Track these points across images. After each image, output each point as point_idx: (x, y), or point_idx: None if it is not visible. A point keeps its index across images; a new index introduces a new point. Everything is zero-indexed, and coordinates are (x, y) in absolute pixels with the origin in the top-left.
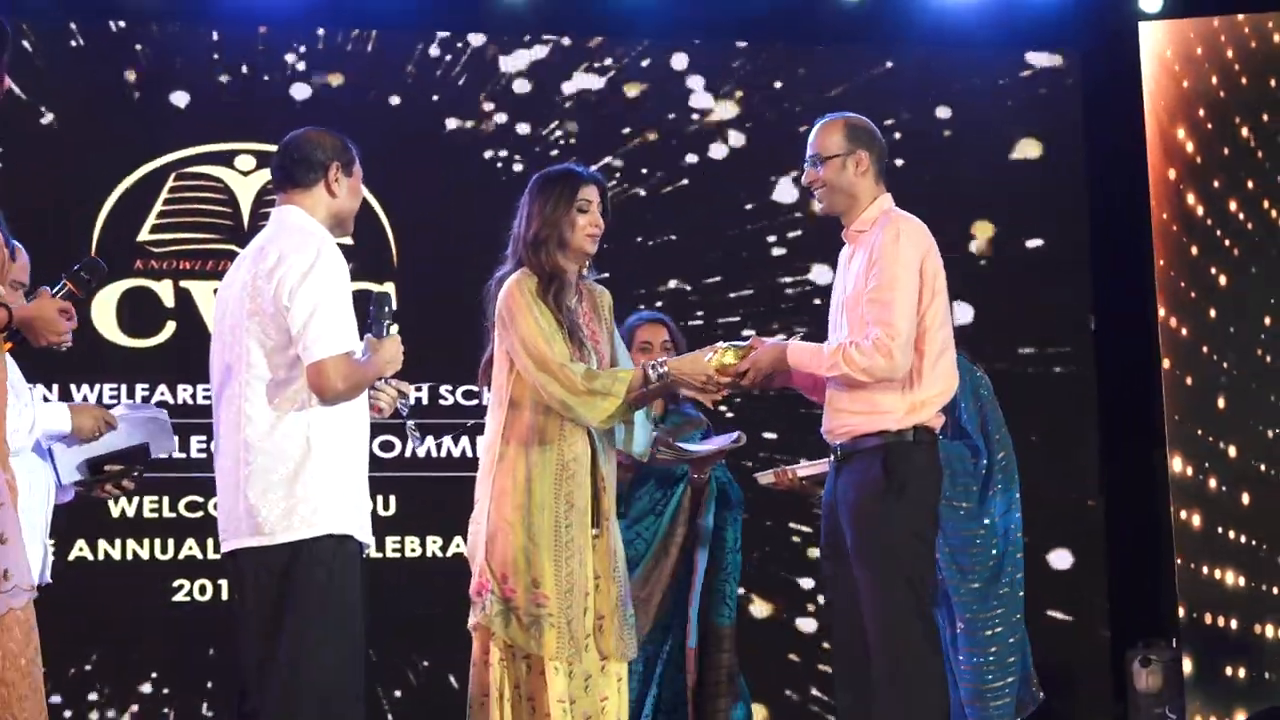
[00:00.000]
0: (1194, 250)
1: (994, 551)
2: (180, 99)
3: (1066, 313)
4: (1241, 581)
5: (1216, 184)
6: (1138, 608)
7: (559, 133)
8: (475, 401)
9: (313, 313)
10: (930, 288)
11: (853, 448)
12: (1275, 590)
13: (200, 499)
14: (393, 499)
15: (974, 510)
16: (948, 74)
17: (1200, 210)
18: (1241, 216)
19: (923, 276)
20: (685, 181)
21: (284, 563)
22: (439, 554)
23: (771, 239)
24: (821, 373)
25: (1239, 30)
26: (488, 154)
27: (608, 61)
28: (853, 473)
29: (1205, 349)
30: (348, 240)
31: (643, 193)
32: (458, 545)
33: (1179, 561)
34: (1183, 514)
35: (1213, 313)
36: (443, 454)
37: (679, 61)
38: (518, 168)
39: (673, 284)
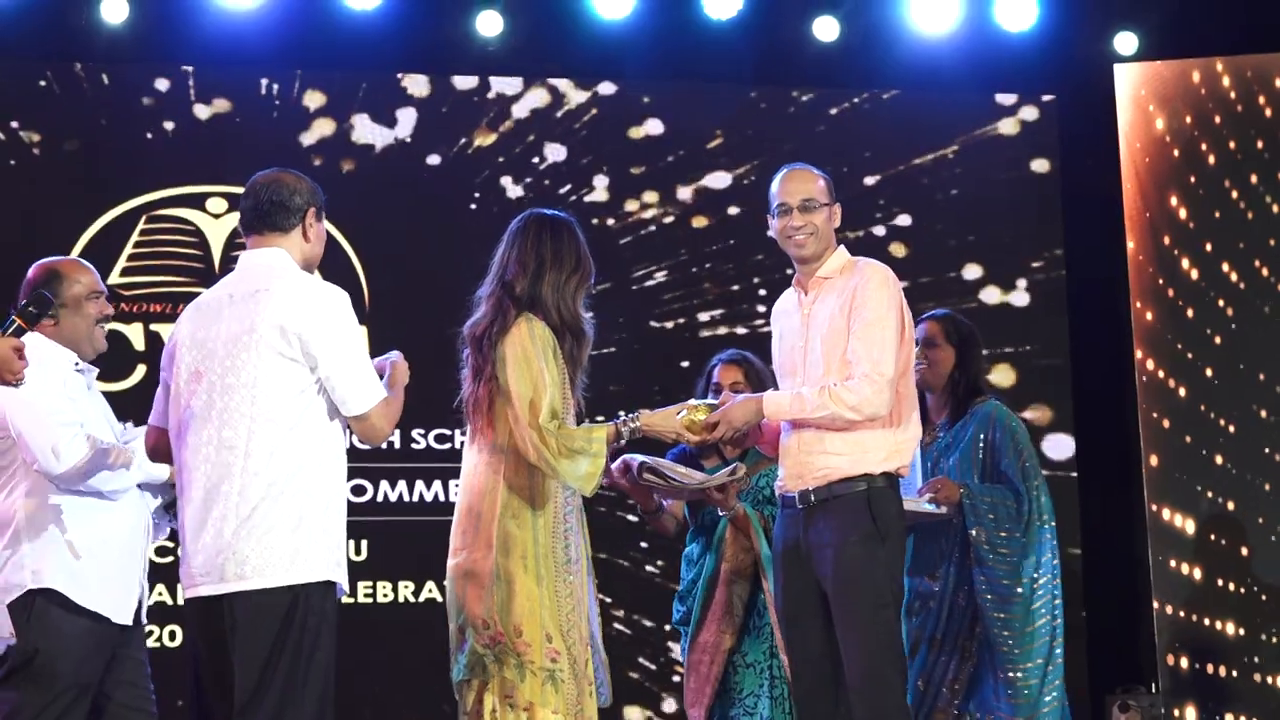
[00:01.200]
0: (1170, 292)
1: (1038, 597)
2: (152, 140)
3: (1044, 351)
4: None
5: (1194, 228)
6: (1117, 653)
7: (539, 173)
8: (448, 445)
9: (351, 366)
10: (908, 333)
11: (829, 493)
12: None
13: (170, 544)
14: (364, 544)
15: (1016, 558)
16: (920, 116)
17: (1179, 255)
18: (1227, 268)
19: (903, 321)
20: (669, 220)
21: (284, 607)
22: (411, 599)
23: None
24: (807, 415)
25: (1212, 71)
26: (463, 193)
27: (589, 97)
28: (831, 518)
29: (1183, 391)
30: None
31: (614, 225)
32: (429, 590)
33: (1169, 610)
34: (1184, 567)
35: (1190, 355)
36: (414, 497)
37: (653, 100)
38: (495, 208)
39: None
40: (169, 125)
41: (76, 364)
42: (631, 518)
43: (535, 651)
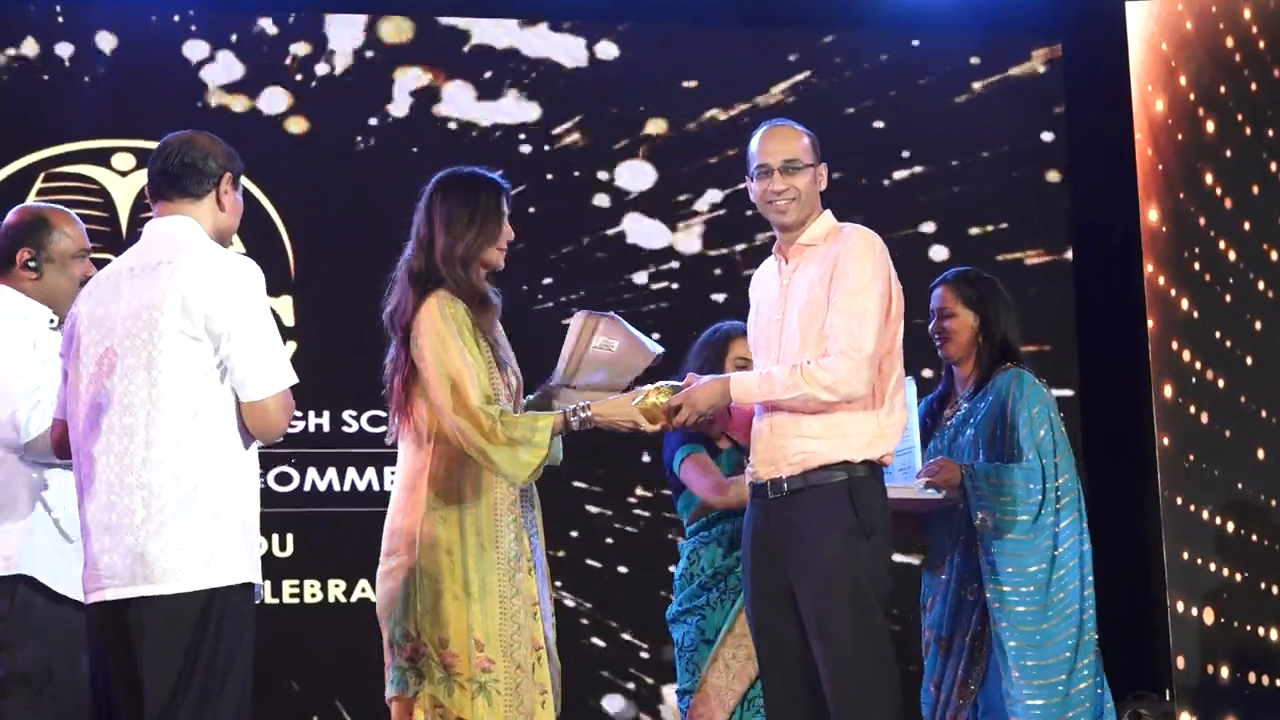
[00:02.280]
0: (1185, 253)
1: (1056, 592)
2: (50, 88)
3: (1048, 317)
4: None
5: (1209, 178)
6: (1130, 658)
7: (484, 134)
8: (382, 429)
9: (256, 345)
10: (896, 308)
11: (805, 482)
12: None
13: None
14: (290, 538)
15: (1026, 547)
16: (920, 63)
17: (1193, 207)
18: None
19: (890, 294)
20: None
21: (197, 611)
22: (341, 599)
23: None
24: (777, 397)
25: (1235, 6)
26: (397, 159)
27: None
28: (807, 509)
29: (1199, 366)
30: (238, 247)
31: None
32: (362, 589)
33: (1184, 608)
34: (1211, 564)
35: (1218, 335)
36: (345, 486)
37: (606, 50)
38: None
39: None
40: (69, 72)
41: (52, 321)
42: (593, 509)
43: (463, 662)
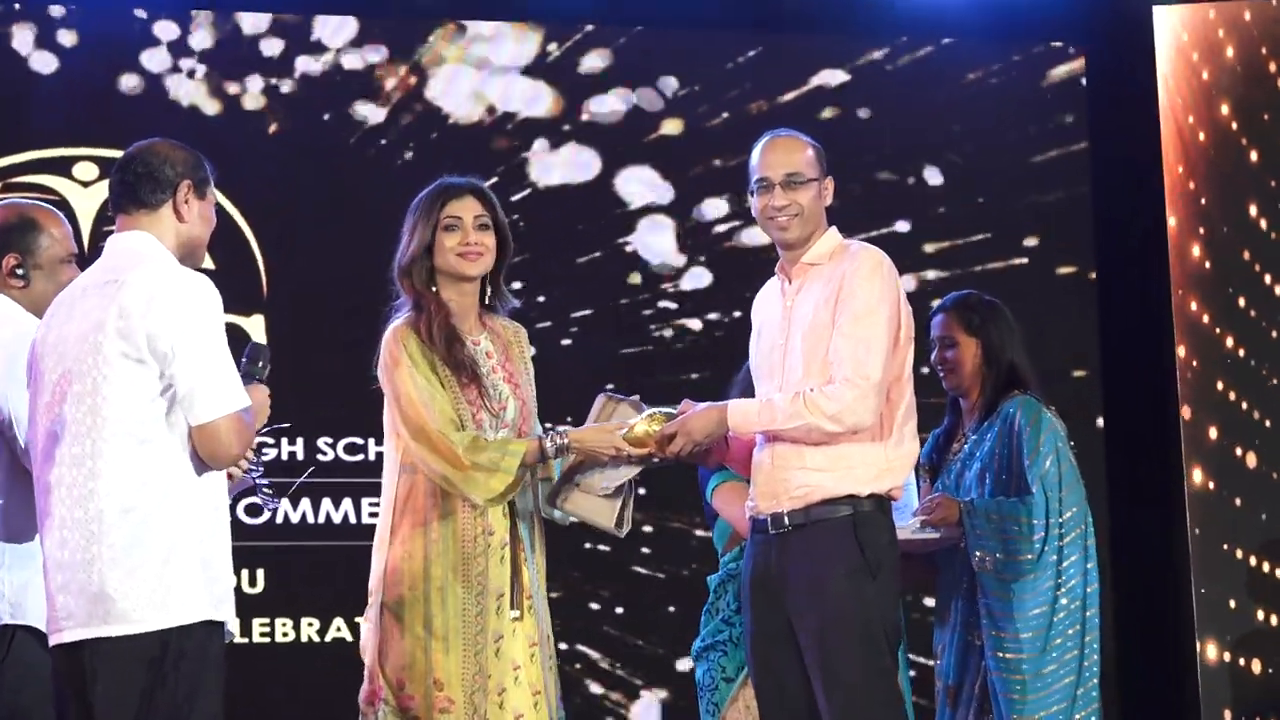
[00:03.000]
0: (1207, 264)
1: (1057, 634)
2: (8, 93)
3: (1070, 334)
4: None
5: (1254, 209)
6: (1155, 710)
7: (474, 141)
8: (360, 456)
9: (203, 365)
10: (905, 332)
11: (807, 517)
12: None
13: None
14: (260, 574)
15: (1024, 586)
16: (941, 67)
17: (1217, 215)
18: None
19: (899, 318)
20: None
21: (152, 653)
22: (315, 638)
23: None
24: (778, 426)
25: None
26: (379, 169)
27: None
28: (810, 545)
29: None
30: (208, 264)
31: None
32: (338, 629)
33: (1218, 654)
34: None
35: (1229, 342)
36: (320, 518)
37: (594, 62)
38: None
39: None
40: (29, 75)
41: None
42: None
43: (422, 706)
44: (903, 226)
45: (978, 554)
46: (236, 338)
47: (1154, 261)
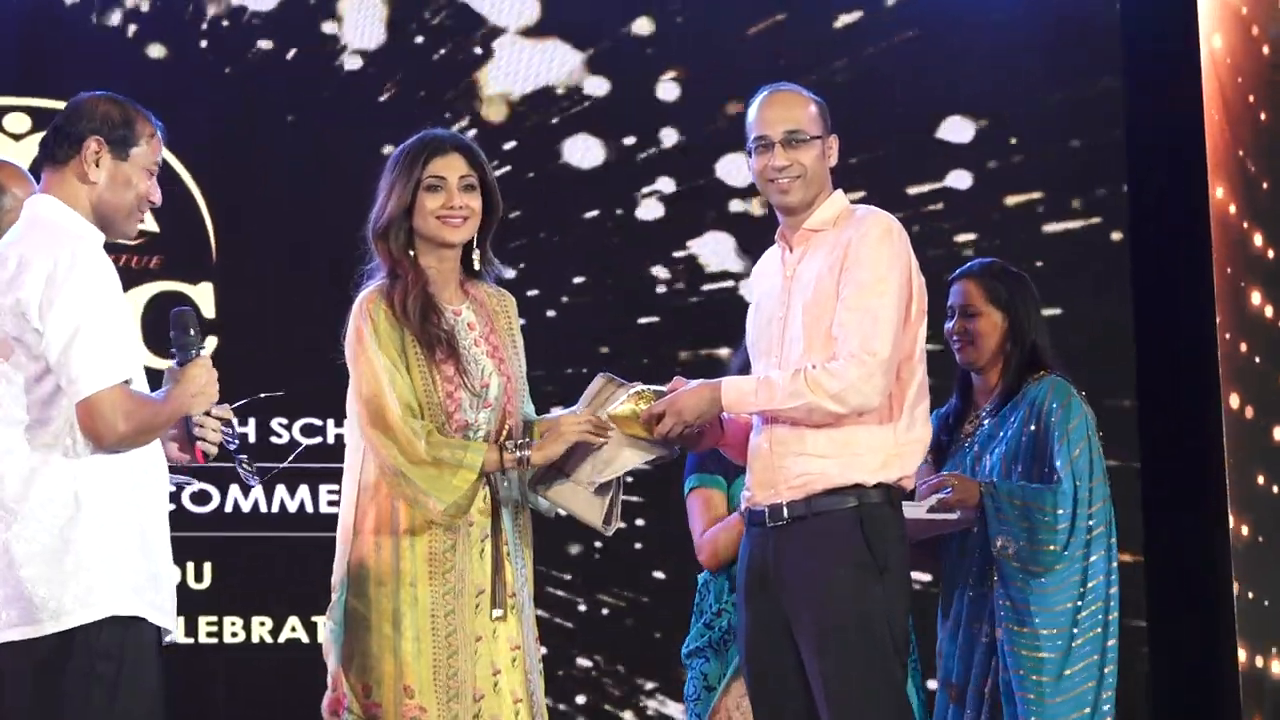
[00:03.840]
0: (1270, 254)
1: (1082, 632)
2: None
3: (1103, 325)
4: None
5: None
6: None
7: (431, 97)
8: (319, 439)
9: (74, 335)
10: (917, 306)
11: (809, 508)
12: None
13: None
14: (207, 567)
15: (1052, 578)
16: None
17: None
18: None
19: (910, 289)
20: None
21: (51, 657)
22: (268, 639)
23: None
24: (776, 406)
25: None
26: (344, 128)
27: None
28: (812, 541)
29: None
30: (152, 227)
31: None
32: (293, 629)
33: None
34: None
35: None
36: (274, 507)
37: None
38: (386, 148)
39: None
40: None
41: None
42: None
43: (391, 714)
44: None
45: (999, 541)
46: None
47: (1196, 235)
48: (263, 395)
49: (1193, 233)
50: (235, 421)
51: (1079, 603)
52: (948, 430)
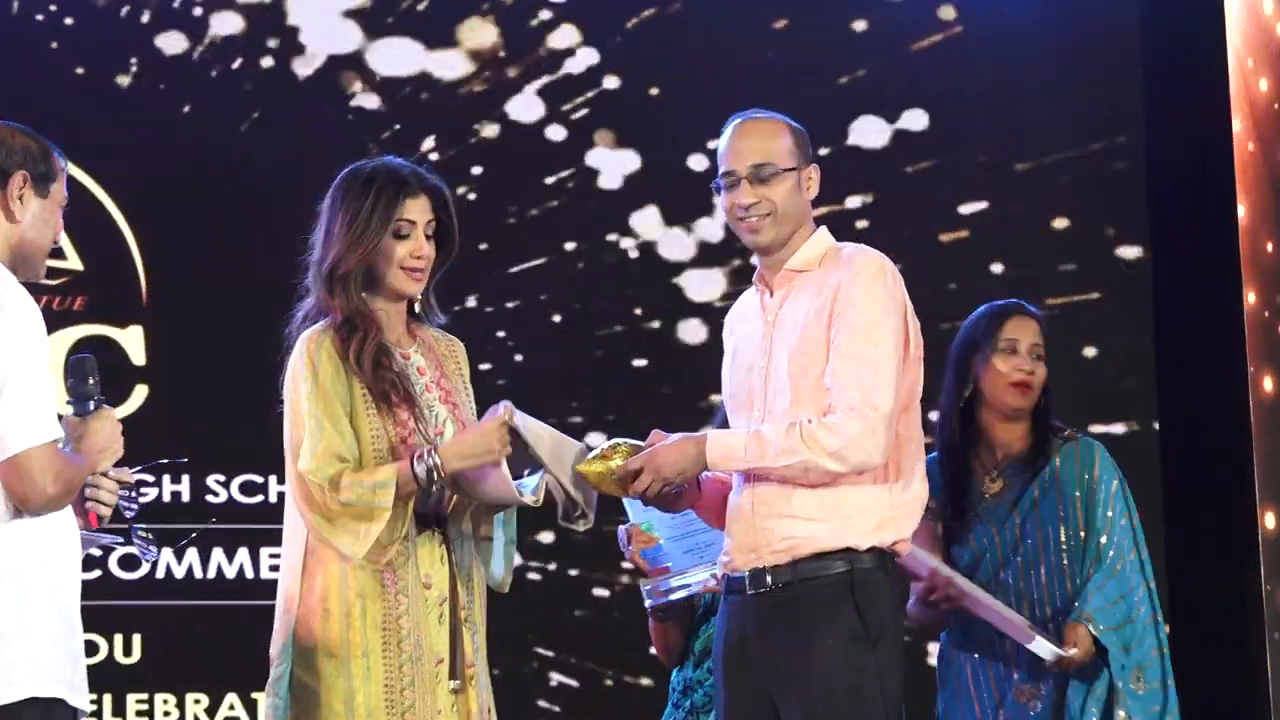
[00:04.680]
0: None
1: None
2: None
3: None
4: None
5: None
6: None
7: (387, 118)
8: (259, 497)
9: (13, 387)
10: (914, 351)
11: (795, 574)
12: None
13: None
14: (136, 640)
15: (1158, 687)
16: None
17: None
18: None
19: (907, 332)
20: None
21: None
22: (203, 718)
23: None
24: (768, 464)
25: None
26: (289, 152)
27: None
28: (798, 609)
29: None
30: (75, 265)
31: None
32: (231, 706)
33: None
34: None
35: None
36: (210, 572)
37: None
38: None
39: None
40: None
41: None
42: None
43: None
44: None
45: (1120, 682)
46: (111, 351)
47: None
48: (164, 461)
49: (1216, 247)
50: (135, 486)
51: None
52: (959, 488)
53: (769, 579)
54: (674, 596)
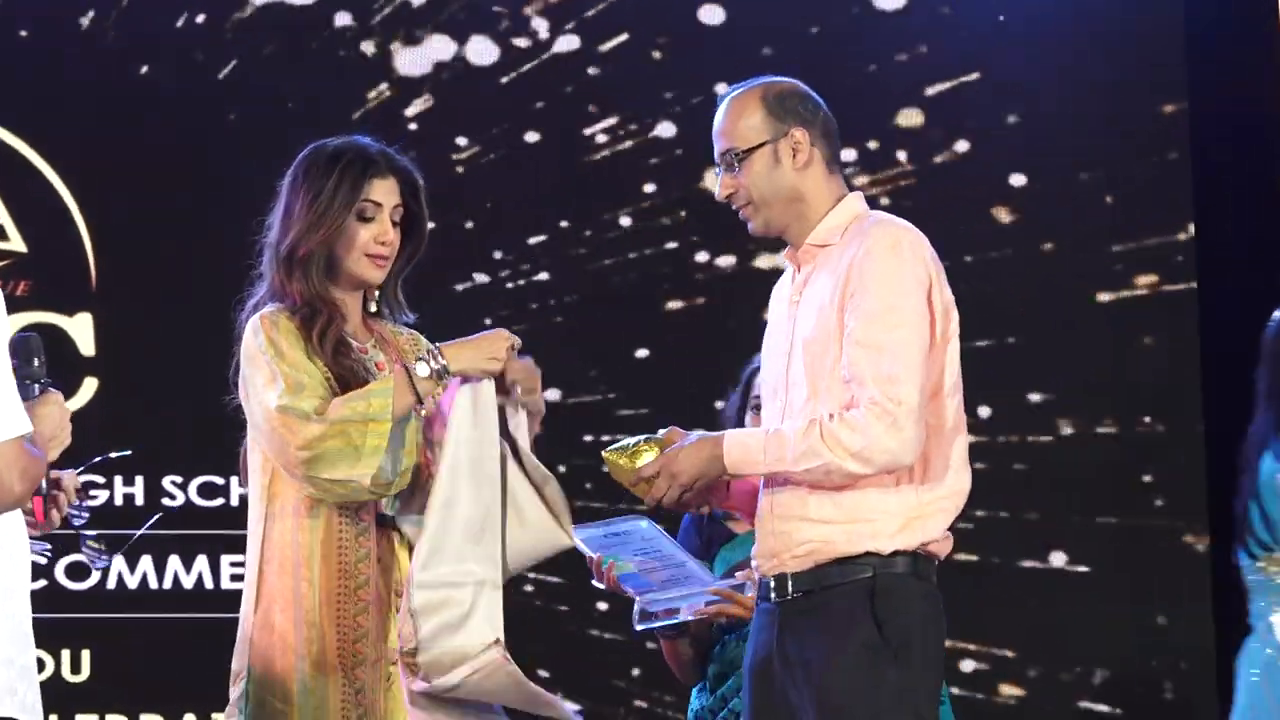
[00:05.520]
0: None
1: None
2: None
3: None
4: None
5: None
6: None
7: (343, 110)
8: (219, 500)
9: None
10: (941, 329)
11: (815, 581)
12: None
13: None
14: (85, 655)
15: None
16: None
17: None
18: None
19: (932, 311)
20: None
21: None
22: None
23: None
24: (788, 467)
25: None
26: (254, 125)
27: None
28: (819, 617)
29: None
30: (19, 246)
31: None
32: None
33: None
34: None
35: None
36: (166, 582)
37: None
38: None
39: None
40: None
41: None
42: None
43: None
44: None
45: None
46: (58, 341)
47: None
48: (113, 455)
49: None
50: (84, 490)
51: None
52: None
53: (790, 586)
54: (660, 623)
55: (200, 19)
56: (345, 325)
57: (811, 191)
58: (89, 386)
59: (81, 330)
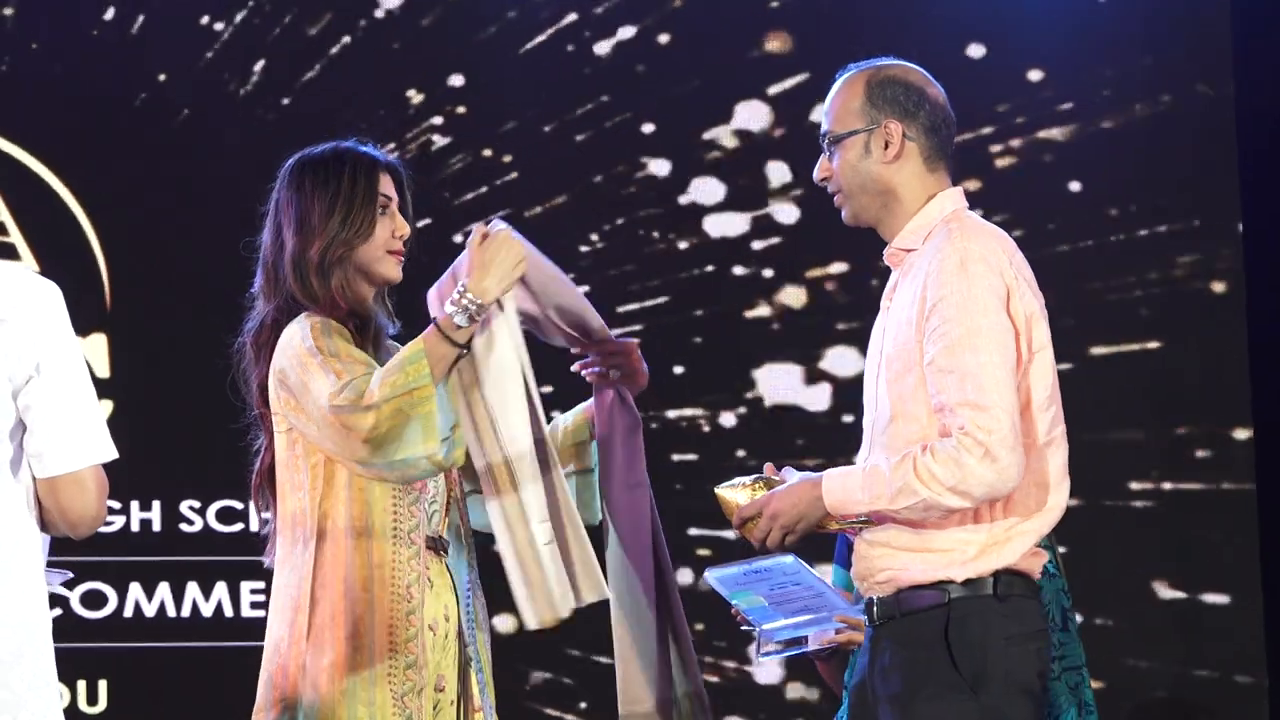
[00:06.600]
0: None
1: None
2: None
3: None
4: None
5: None
6: None
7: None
8: (238, 525)
9: (66, 398)
10: (1027, 340)
11: (897, 608)
12: None
13: None
14: (103, 686)
15: None
16: None
17: None
18: None
19: (1014, 324)
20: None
21: None
22: None
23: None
24: (884, 507)
25: None
26: (257, 145)
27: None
28: (900, 647)
29: None
30: (30, 264)
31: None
32: None
33: None
34: None
35: None
36: (185, 609)
37: None
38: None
39: None
40: None
41: None
42: None
43: None
44: None
45: None
46: None
47: None
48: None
49: None
50: None
51: None
52: None
53: (876, 612)
54: (786, 653)
55: (219, 25)
56: (380, 331)
57: (903, 187)
58: (104, 409)
59: (96, 351)
